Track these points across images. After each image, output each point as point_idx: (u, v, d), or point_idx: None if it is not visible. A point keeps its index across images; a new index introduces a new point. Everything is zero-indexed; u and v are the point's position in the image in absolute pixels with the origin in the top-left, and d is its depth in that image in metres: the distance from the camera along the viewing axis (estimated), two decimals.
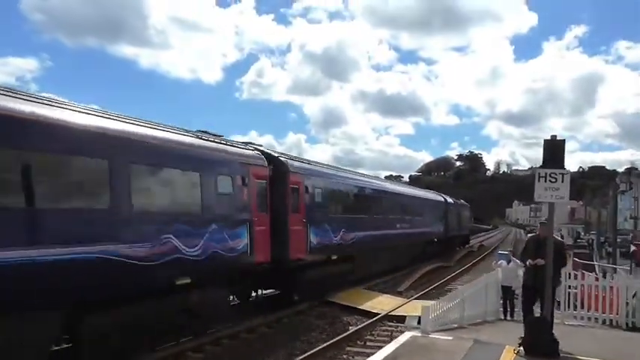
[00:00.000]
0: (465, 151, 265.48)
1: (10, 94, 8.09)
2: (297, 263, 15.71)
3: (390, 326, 14.61)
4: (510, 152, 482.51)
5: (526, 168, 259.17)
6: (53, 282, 7.93)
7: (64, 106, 8.90)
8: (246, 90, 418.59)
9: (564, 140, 8.53)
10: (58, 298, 8.16)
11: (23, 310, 7.67)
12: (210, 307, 12.09)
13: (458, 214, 43.44)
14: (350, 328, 14.12)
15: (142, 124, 10.60)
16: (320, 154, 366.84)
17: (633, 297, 13.45)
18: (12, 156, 7.66)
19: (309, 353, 11.02)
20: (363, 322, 14.74)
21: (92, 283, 8.62)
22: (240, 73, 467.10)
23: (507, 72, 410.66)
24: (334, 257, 18.39)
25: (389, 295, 19.20)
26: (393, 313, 15.78)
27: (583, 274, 15.17)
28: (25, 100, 8.11)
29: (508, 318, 13.30)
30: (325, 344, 11.92)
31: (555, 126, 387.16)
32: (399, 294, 20.11)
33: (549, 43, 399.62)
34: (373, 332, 13.93)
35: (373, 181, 26.15)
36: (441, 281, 24.17)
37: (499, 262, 14.51)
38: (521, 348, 8.22)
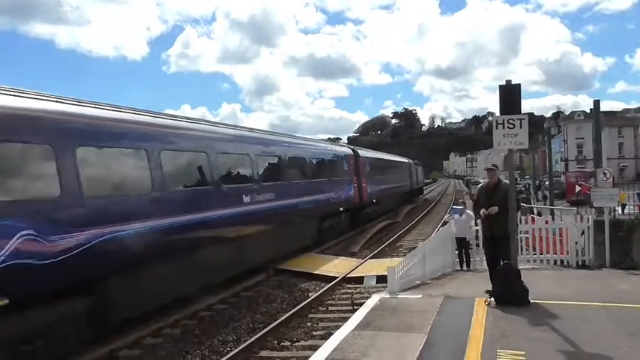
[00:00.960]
0: (400, 109, 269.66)
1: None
2: (362, 204, 28.41)
3: (350, 288, 14.46)
4: (443, 106, 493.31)
5: (460, 120, 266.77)
6: (318, 208, 21.08)
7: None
8: (174, 63, 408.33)
9: (519, 85, 8.29)
10: (317, 214, 21.31)
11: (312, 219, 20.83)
12: (345, 222, 26.12)
13: (416, 172, 58.27)
14: (310, 294, 13.83)
15: (320, 143, 26.64)
16: (256, 122, 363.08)
17: (582, 235, 13.81)
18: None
19: (272, 326, 10.66)
20: (322, 287, 14.49)
21: (325, 210, 22.04)
22: (166, 46, 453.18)
23: (434, 27, 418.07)
24: (374, 201, 31.49)
25: (343, 257, 19.05)
26: (350, 275, 15.65)
27: (533, 218, 15.46)
28: None
29: (464, 268, 13.37)
30: (287, 314, 11.58)
31: (484, 77, 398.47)
32: (353, 255, 20.01)
33: None
34: (333, 296, 13.72)
35: (385, 156, 42.88)
36: (392, 238, 24.28)
37: (453, 215, 14.52)
38: (492, 299, 8.12)
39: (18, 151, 7.98)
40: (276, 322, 10.88)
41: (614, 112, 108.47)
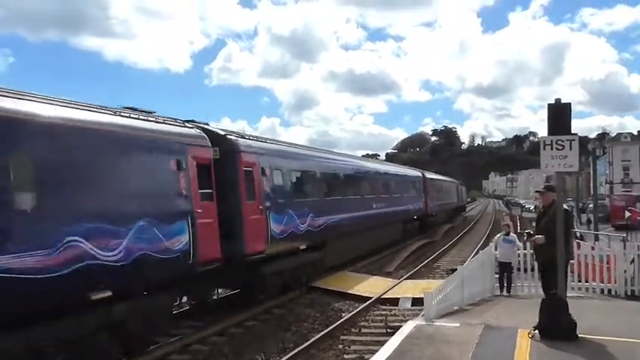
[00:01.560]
0: (439, 126, 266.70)
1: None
2: (427, 215, 36.14)
3: (384, 310, 14.02)
4: (484, 125, 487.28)
5: (500, 139, 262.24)
6: (404, 214, 30.44)
7: None
8: (216, 76, 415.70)
9: (569, 104, 7.83)
10: (403, 219, 30.41)
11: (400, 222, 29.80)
12: (416, 227, 33.78)
13: (461, 191, 68.25)
14: (343, 315, 13.44)
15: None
16: (295, 137, 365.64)
17: (631, 263, 13.05)
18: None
19: (302, 347, 10.32)
20: (355, 307, 14.10)
21: (407, 216, 31.41)
22: (208, 60, 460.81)
23: (476, 45, 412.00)
24: (433, 214, 38.77)
25: (378, 277, 18.60)
26: (385, 296, 15.20)
27: (579, 244, 14.74)
28: None
29: (505, 293, 12.74)
30: (318, 335, 11.24)
31: (526, 96, 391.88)
32: (389, 274, 19.53)
33: (515, 14, 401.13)
34: (367, 318, 13.32)
35: (441, 177, 50.87)
36: (429, 258, 23.66)
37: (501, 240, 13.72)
38: (537, 332, 7.57)
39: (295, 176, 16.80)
40: (306, 343, 10.55)
41: None
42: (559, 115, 7.73)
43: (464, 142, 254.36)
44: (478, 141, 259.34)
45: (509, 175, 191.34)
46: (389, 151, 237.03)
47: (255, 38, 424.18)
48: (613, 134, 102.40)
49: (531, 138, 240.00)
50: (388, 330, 11.55)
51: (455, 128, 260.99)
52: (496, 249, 13.33)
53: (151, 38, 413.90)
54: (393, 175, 30.00)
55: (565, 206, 8.66)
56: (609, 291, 12.80)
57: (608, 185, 77.96)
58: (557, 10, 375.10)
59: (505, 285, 12.85)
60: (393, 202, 27.52)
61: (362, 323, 12.74)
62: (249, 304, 13.63)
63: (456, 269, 17.70)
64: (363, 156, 49.69)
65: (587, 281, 13.17)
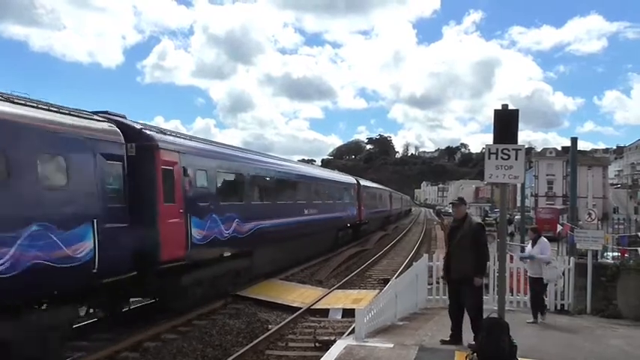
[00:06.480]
0: (373, 135, 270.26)
1: None
2: (360, 222, 36.35)
3: (314, 322, 13.41)
4: (417, 135, 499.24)
5: (433, 150, 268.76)
6: (337, 222, 29.80)
7: None
8: (149, 74, 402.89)
9: (517, 110, 7.39)
10: (336, 226, 29.88)
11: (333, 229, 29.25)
12: (349, 234, 33.86)
13: (393, 199, 72.75)
14: (269, 327, 12.68)
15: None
16: (230, 139, 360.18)
17: (561, 277, 12.95)
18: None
19: None
20: (284, 318, 13.46)
21: (340, 224, 30.41)
22: (141, 56, 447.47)
23: (410, 55, 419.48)
24: (366, 221, 38.90)
25: (309, 286, 17.98)
26: (314, 307, 14.59)
27: (511, 257, 14.57)
28: None
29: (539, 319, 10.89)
30: (241, 350, 10.43)
31: (457, 108, 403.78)
32: (319, 283, 18.92)
33: (449, 28, 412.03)
34: (295, 330, 12.67)
35: (375, 185, 51.54)
36: (361, 267, 23.20)
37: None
38: (475, 355, 7.03)
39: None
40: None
41: (584, 151, 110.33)
42: (506, 122, 7.27)
43: (398, 152, 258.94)
44: (412, 151, 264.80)
45: (441, 185, 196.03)
46: (324, 157, 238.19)
47: (191, 37, 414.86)
48: (539, 149, 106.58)
49: (462, 150, 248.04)
50: (317, 345, 10.94)
51: (390, 137, 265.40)
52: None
53: (80, 30, 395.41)
54: (326, 180, 29.33)
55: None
56: None
57: (533, 198, 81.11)
58: (489, 27, 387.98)
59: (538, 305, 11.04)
60: (327, 208, 26.77)
61: (289, 336, 12.11)
62: (168, 315, 12.61)
63: (388, 279, 17.41)
64: (299, 161, 48.61)
65: (518, 293, 12.98)
